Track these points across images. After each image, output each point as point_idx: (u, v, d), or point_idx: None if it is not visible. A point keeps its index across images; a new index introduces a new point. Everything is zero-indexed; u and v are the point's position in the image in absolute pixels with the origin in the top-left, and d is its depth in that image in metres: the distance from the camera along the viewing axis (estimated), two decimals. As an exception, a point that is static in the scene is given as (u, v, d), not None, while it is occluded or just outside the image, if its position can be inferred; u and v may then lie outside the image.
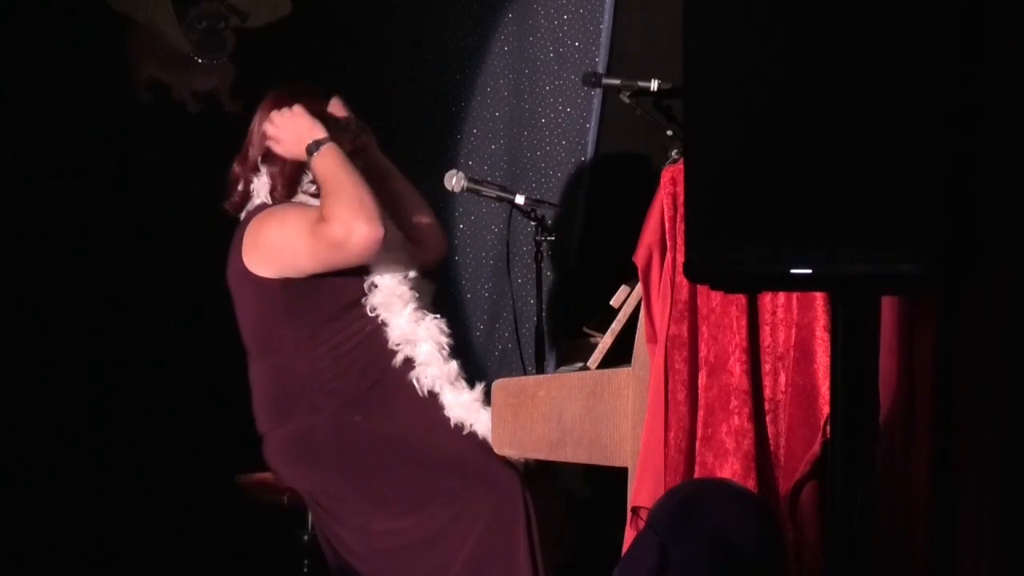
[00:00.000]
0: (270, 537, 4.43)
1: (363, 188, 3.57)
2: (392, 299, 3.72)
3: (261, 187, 3.76)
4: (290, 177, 3.74)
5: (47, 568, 4.79)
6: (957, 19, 2.54)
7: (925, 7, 2.49)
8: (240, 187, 3.79)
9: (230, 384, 5.00)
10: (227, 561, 4.90)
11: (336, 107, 3.83)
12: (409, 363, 3.70)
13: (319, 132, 3.66)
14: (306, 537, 3.92)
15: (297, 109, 3.69)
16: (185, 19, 5.20)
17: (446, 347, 3.73)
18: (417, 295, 3.76)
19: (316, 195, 3.72)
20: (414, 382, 3.69)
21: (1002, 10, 2.72)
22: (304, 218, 3.60)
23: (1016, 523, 2.79)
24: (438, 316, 3.78)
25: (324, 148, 3.63)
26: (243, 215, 3.78)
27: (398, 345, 3.70)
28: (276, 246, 3.63)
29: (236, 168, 3.81)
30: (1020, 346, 2.77)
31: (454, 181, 4.18)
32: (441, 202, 4.72)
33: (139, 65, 5.17)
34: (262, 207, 3.74)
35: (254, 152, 3.78)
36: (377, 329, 3.70)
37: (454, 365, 3.73)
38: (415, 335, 3.71)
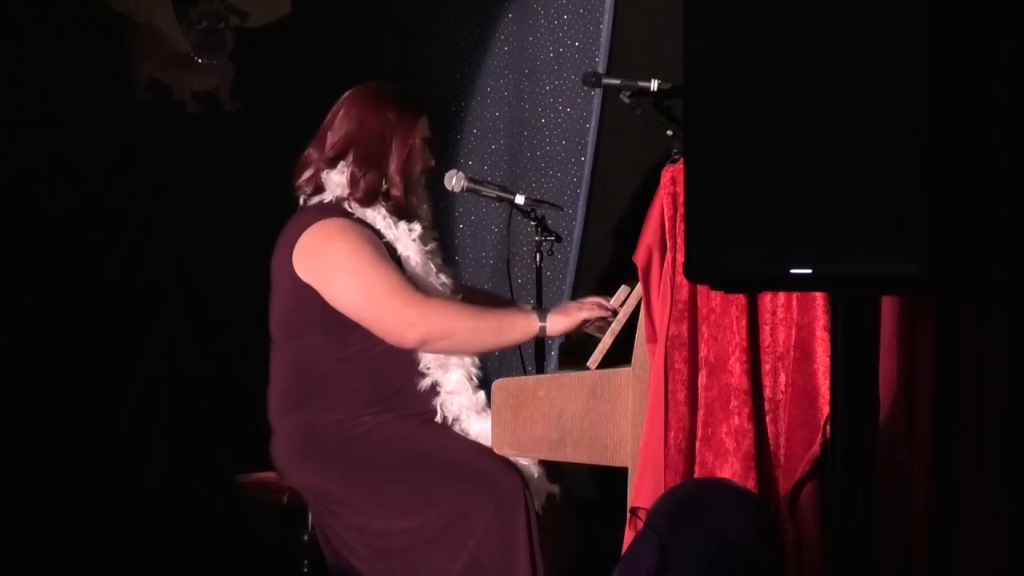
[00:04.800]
0: (270, 537, 4.43)
1: (471, 342, 3.66)
2: None
3: (336, 184, 3.71)
4: (371, 185, 3.69)
5: (47, 568, 4.79)
6: (957, 19, 2.54)
7: (925, 7, 2.49)
8: (310, 173, 3.73)
9: (230, 384, 5.02)
10: (227, 561, 4.89)
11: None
12: (435, 388, 3.70)
13: (565, 323, 3.71)
14: (306, 537, 3.92)
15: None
16: (185, 19, 5.20)
17: (475, 378, 3.72)
18: None
19: (392, 212, 3.72)
20: (438, 408, 3.68)
21: (1002, 10, 2.72)
22: (383, 279, 3.60)
23: (1016, 523, 2.79)
24: None
25: (536, 320, 3.69)
26: (312, 202, 3.73)
27: (428, 368, 3.69)
28: (334, 279, 3.62)
29: (311, 152, 3.75)
30: (1020, 346, 2.77)
31: (454, 181, 4.18)
32: (441, 202, 4.72)
33: (139, 65, 5.18)
34: (333, 205, 3.70)
35: (333, 143, 3.73)
36: None
37: (481, 395, 3.71)
38: (447, 360, 3.70)
